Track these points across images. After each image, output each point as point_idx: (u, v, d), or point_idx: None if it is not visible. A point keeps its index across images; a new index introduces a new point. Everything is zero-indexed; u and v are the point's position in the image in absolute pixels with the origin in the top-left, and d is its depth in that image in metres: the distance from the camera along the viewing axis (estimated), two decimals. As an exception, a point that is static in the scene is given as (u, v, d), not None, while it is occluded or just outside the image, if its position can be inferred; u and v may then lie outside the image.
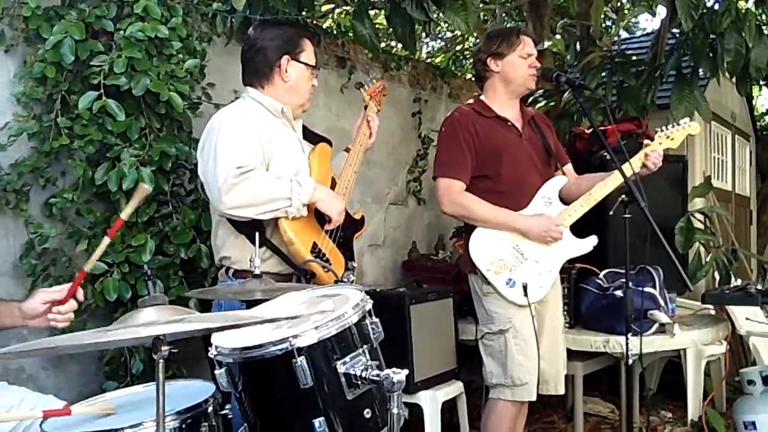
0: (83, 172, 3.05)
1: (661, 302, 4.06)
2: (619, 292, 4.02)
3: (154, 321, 1.48)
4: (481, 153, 3.36)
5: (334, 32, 4.46)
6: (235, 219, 2.72)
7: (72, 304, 2.39)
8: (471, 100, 3.57)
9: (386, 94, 3.46)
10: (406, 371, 1.89)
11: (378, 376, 1.89)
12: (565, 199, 3.45)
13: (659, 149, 3.40)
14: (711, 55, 4.46)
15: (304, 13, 3.85)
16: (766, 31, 4.26)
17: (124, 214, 2.32)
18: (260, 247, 2.74)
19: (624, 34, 7.59)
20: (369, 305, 2.11)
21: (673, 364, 4.83)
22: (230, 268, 2.86)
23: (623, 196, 3.31)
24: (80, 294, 2.42)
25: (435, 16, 3.71)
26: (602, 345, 4.02)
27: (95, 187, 3.11)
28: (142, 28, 3.08)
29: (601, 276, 4.34)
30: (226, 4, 3.68)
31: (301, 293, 2.32)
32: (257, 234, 2.56)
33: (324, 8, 4.34)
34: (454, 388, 4.12)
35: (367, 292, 4.14)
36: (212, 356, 2.03)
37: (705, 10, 4.39)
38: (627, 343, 3.36)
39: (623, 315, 3.76)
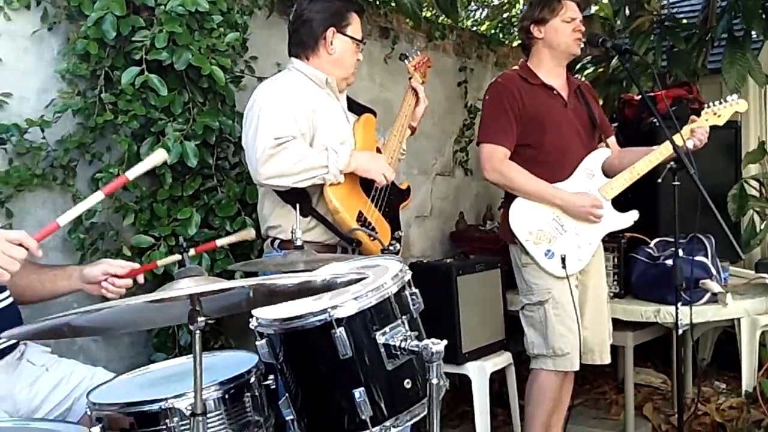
0: (128, 146, 3.09)
1: (713, 271, 3.97)
2: (669, 262, 3.92)
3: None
4: (525, 120, 3.31)
5: (377, 2, 4.40)
6: (275, 188, 2.73)
7: (128, 282, 2.42)
8: (517, 66, 3.50)
9: (431, 65, 3.42)
10: (445, 341, 1.87)
11: (417, 346, 1.88)
12: (607, 172, 3.38)
13: (705, 126, 3.30)
14: (764, 16, 4.29)
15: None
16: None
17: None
18: (305, 216, 2.78)
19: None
20: (408, 276, 2.10)
21: (728, 335, 4.73)
22: (276, 239, 2.88)
23: (672, 163, 3.25)
24: (141, 278, 2.47)
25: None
26: (653, 315, 3.95)
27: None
28: (183, 3, 3.07)
29: (651, 245, 4.26)
30: (267, -24, 3.67)
31: (342, 264, 2.32)
32: (298, 204, 2.57)
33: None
34: (502, 359, 4.11)
35: (413, 264, 4.24)
36: (253, 327, 2.04)
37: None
38: (677, 313, 3.31)
39: (674, 284, 3.74)
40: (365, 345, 1.95)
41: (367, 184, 2.81)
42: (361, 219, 2.75)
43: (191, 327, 1.51)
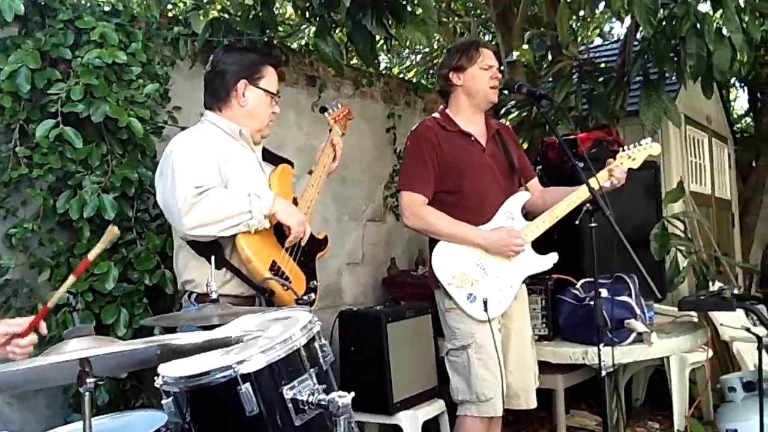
0: (44, 200, 3.04)
1: (638, 311, 4.04)
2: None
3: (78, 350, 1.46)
4: (443, 167, 3.35)
5: (302, 51, 4.45)
6: (199, 239, 2.71)
7: (32, 338, 2.34)
8: (436, 113, 3.56)
9: (352, 118, 3.45)
10: (352, 394, 1.86)
11: (324, 400, 1.86)
12: (531, 214, 3.44)
13: (623, 168, 3.39)
14: (675, 59, 4.46)
15: (267, 33, 3.84)
16: (726, 34, 4.25)
17: (92, 255, 2.26)
18: (220, 268, 2.74)
19: (597, 42, 7.61)
20: (317, 327, 2.08)
21: (660, 374, 4.80)
22: (192, 293, 2.84)
23: (588, 205, 3.31)
24: (43, 328, 2.38)
25: (395, 31, 3.70)
26: (581, 357, 4.00)
27: (57, 215, 3.09)
28: (100, 55, 3.08)
29: (578, 286, 4.33)
30: (189, 27, 3.68)
31: (253, 317, 2.29)
32: (213, 256, 2.55)
33: (288, 29, 4.32)
34: (435, 407, 4.10)
35: (342, 312, 4.23)
36: (158, 386, 2.00)
37: (665, 16, 4.40)
38: (600, 354, 3.35)
39: (595, 325, 3.79)
40: (272, 401, 1.91)
41: (281, 233, 2.80)
42: (275, 268, 2.73)
43: (80, 389, 1.47)
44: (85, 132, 3.11)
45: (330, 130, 3.29)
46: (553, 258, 3.46)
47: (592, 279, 4.24)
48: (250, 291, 2.81)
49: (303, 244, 2.88)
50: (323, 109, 3.37)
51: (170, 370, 2.01)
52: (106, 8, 3.36)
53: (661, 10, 4.49)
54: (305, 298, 2.81)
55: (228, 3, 4.16)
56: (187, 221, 2.59)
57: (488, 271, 3.33)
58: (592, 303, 4.03)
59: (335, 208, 4.74)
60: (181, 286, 2.92)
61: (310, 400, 1.91)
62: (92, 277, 3.10)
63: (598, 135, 4.76)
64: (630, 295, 4.09)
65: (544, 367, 3.97)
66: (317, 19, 3.81)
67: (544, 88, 5.19)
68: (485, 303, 3.25)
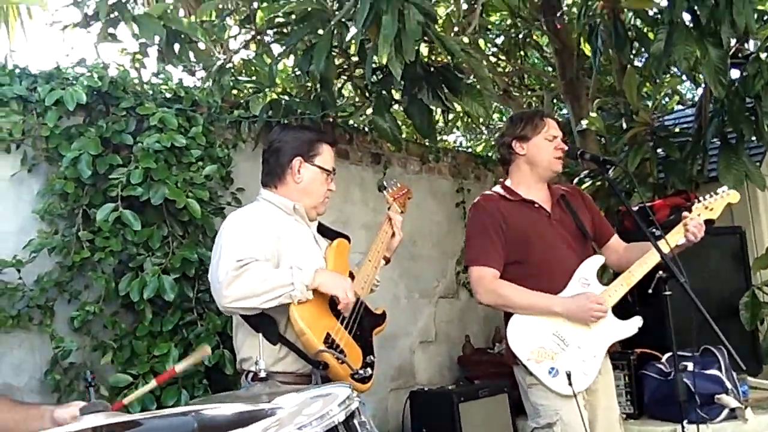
0: (106, 283, 3.08)
1: (729, 385, 3.77)
2: (684, 378, 3.74)
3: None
4: (510, 238, 3.24)
5: (365, 129, 4.48)
6: (243, 313, 2.68)
7: None
8: (497, 186, 3.48)
9: (411, 197, 3.41)
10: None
11: (362, 480, 1.75)
12: (621, 267, 3.29)
13: (698, 219, 3.22)
14: (753, 118, 4.26)
15: (326, 112, 3.88)
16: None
17: (179, 368, 2.34)
18: (274, 344, 2.70)
19: (679, 108, 7.42)
20: (356, 403, 1.98)
21: (761, 453, 4.43)
22: (249, 372, 2.79)
23: (660, 272, 3.14)
24: None
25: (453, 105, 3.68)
26: (669, 435, 3.73)
27: (120, 298, 3.13)
28: (159, 139, 3.16)
29: (663, 360, 4.07)
30: (250, 111, 3.76)
31: (294, 395, 2.21)
32: (261, 332, 2.50)
33: (351, 108, 4.37)
34: (513, 491, 3.89)
35: (413, 392, 4.09)
36: (196, 465, 1.93)
37: (735, 76, 4.25)
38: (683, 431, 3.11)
39: (689, 402, 3.54)
40: (309, 480, 1.82)
41: (335, 308, 2.74)
42: (329, 341, 2.66)
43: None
44: (145, 215, 3.17)
45: (389, 208, 3.26)
46: (637, 322, 3.25)
47: (678, 352, 4.01)
48: (305, 368, 2.74)
49: (358, 317, 2.81)
50: (382, 187, 3.34)
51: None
52: (168, 95, 3.47)
53: (734, 71, 4.35)
54: (361, 372, 2.73)
55: (289, 86, 4.24)
56: (228, 293, 2.56)
57: (568, 342, 3.15)
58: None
59: (405, 285, 4.66)
60: (239, 365, 2.88)
61: (348, 480, 1.80)
62: (154, 359, 3.10)
63: (676, 201, 4.56)
64: (719, 369, 3.83)
65: (631, 447, 3.74)
66: (375, 96, 3.83)
67: (618, 158, 5.05)
68: (569, 376, 3.05)
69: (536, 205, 3.31)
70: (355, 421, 1.95)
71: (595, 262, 3.31)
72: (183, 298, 3.22)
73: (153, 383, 2.23)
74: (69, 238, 3.06)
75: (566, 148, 3.37)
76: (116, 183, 3.08)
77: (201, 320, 3.25)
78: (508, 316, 3.22)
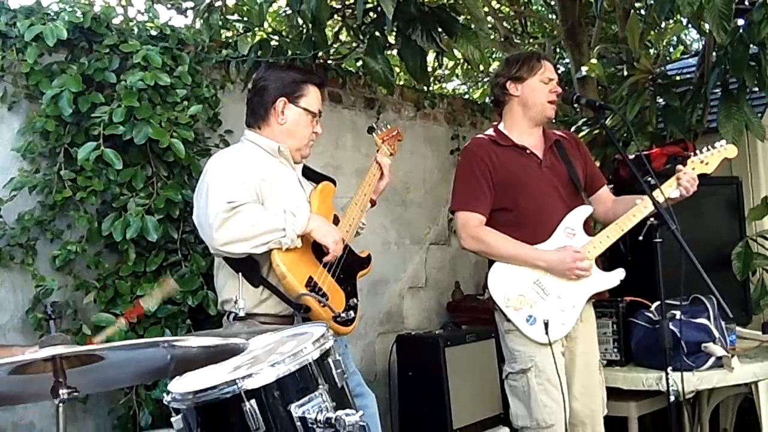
0: (89, 223, 3.05)
1: (716, 334, 3.74)
2: (671, 325, 3.73)
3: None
4: (498, 184, 3.20)
5: (360, 73, 4.40)
6: (231, 256, 2.65)
7: None
8: (489, 130, 3.42)
9: (401, 139, 3.37)
10: (360, 412, 1.74)
11: (331, 418, 1.74)
12: (606, 220, 3.25)
13: (692, 173, 3.17)
14: (756, 66, 4.16)
15: (318, 54, 3.80)
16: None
17: (146, 304, 2.46)
18: (257, 286, 2.69)
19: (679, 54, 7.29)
20: (330, 342, 1.97)
21: (750, 402, 4.44)
22: (231, 312, 2.78)
23: (651, 219, 3.10)
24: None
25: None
26: (655, 382, 3.71)
27: (103, 238, 3.11)
28: (143, 77, 3.10)
29: (651, 308, 4.05)
30: (238, 50, 3.68)
31: (271, 334, 2.21)
32: (240, 273, 2.49)
33: (344, 50, 4.28)
34: (498, 434, 3.91)
35: (400, 336, 4.09)
36: (167, 402, 1.93)
37: (740, 22, 4.13)
38: (668, 378, 3.12)
39: (677, 350, 3.53)
40: (279, 419, 1.82)
41: (319, 250, 2.72)
42: (311, 284, 2.64)
43: (55, 401, 1.40)
44: (129, 154, 3.13)
45: (378, 150, 3.21)
46: (619, 274, 3.24)
47: (668, 300, 4.00)
48: (288, 310, 2.73)
49: (342, 260, 2.79)
50: (371, 129, 3.30)
51: (179, 387, 1.95)
52: (154, 33, 3.39)
53: (741, 20, 4.24)
54: (344, 315, 2.73)
55: (281, 26, 4.16)
56: (219, 237, 2.54)
57: (548, 291, 3.14)
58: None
59: (396, 231, 4.63)
60: (220, 306, 2.87)
61: (318, 418, 1.80)
62: (137, 299, 3.08)
63: (673, 150, 4.49)
64: (708, 318, 3.80)
65: (617, 394, 3.73)
66: (368, 37, 3.74)
67: (618, 105, 4.97)
68: (546, 325, 3.06)
69: (528, 151, 3.26)
70: (329, 359, 1.95)
71: (582, 212, 3.27)
72: (167, 238, 3.20)
73: (122, 321, 2.23)
74: (50, 177, 3.02)
75: (560, 92, 3.30)
76: (98, 122, 3.02)
77: (185, 261, 3.23)
78: (491, 262, 3.21)
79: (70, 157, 3.06)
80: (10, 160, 3.03)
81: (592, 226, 3.48)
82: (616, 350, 3.99)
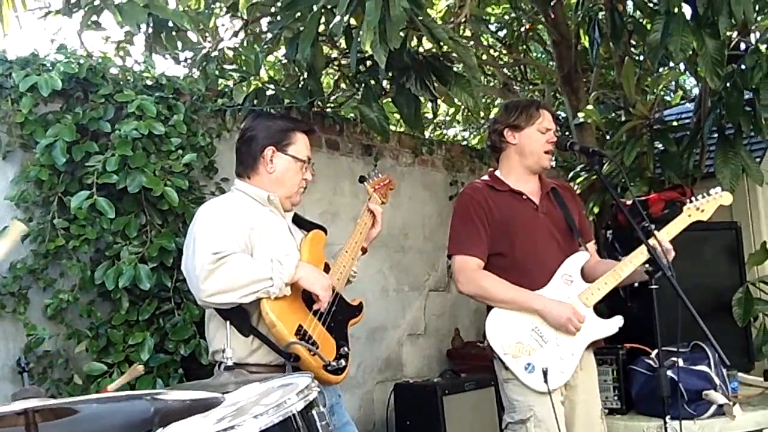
0: (81, 271, 3.05)
1: (717, 381, 3.69)
2: (671, 373, 3.68)
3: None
4: (494, 229, 3.18)
5: (356, 120, 4.43)
6: (219, 307, 2.63)
7: None
8: (485, 176, 3.42)
9: (393, 187, 3.35)
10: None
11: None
12: (587, 278, 3.21)
13: (667, 245, 3.13)
14: (751, 111, 4.18)
15: (313, 102, 3.84)
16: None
17: (111, 387, 2.44)
18: (247, 335, 2.66)
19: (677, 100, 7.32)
20: (315, 393, 1.94)
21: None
22: (221, 363, 2.75)
23: (647, 265, 3.07)
24: None
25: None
26: (656, 431, 3.66)
27: (95, 287, 3.10)
28: (137, 126, 3.12)
29: (652, 356, 4.00)
30: (233, 99, 3.72)
31: (258, 384, 2.18)
32: (228, 322, 2.47)
33: (341, 99, 4.33)
34: (498, 486, 3.83)
35: (398, 384, 4.05)
36: (149, 455, 1.89)
37: (734, 67, 4.16)
38: (666, 427, 3.06)
39: (677, 398, 3.48)
40: (262, 472, 1.78)
41: (310, 298, 2.69)
42: (301, 332, 2.61)
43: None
44: (122, 203, 3.14)
45: (369, 199, 3.20)
46: (618, 322, 3.20)
47: (668, 347, 3.95)
48: (279, 360, 2.69)
49: (333, 308, 2.76)
50: (362, 179, 3.29)
51: (165, 438, 1.91)
52: (149, 82, 3.42)
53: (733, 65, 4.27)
54: (334, 364, 2.69)
55: (279, 75, 4.20)
56: (205, 288, 2.51)
57: (547, 338, 3.10)
58: (667, 374, 3.74)
59: (395, 277, 4.61)
60: (211, 356, 2.83)
61: (301, 473, 1.76)
62: (129, 348, 3.07)
63: (671, 195, 4.49)
64: (708, 365, 3.76)
65: (617, 443, 3.68)
66: (363, 86, 3.77)
67: (615, 152, 4.97)
68: (545, 374, 3.01)
69: (524, 197, 3.24)
70: (314, 412, 1.92)
71: (579, 258, 3.24)
72: (160, 287, 3.19)
73: None
74: (44, 226, 3.03)
75: (555, 140, 3.30)
76: (92, 170, 3.04)
77: (178, 310, 3.22)
78: (489, 308, 3.18)
79: (63, 205, 3.07)
80: (4, 208, 3.04)
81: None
82: (616, 398, 3.94)
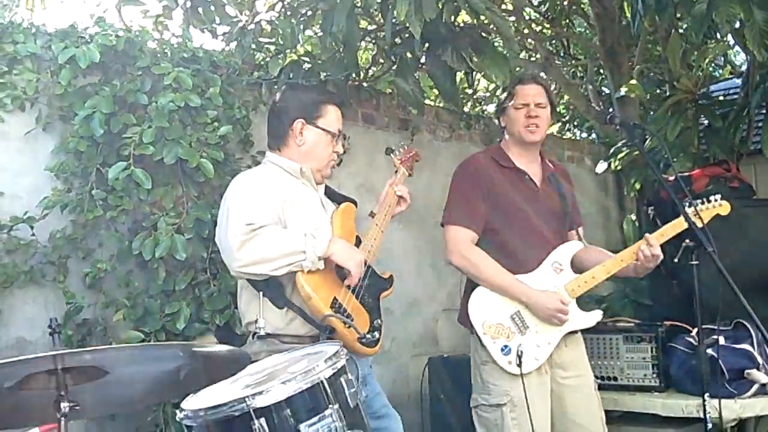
0: (118, 242, 3.09)
1: (760, 360, 3.61)
2: (711, 351, 3.62)
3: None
4: (493, 204, 3.10)
5: (393, 94, 4.40)
6: (252, 278, 2.65)
7: None
8: (493, 148, 3.35)
9: (419, 159, 3.33)
10: (366, 434, 1.71)
11: (339, 439, 1.71)
12: (575, 266, 3.15)
13: (656, 251, 3.02)
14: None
15: (349, 75, 3.82)
16: None
17: None
18: (281, 308, 2.66)
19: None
20: (343, 361, 1.94)
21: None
22: (255, 334, 2.77)
23: (686, 241, 3.01)
24: None
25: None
26: (695, 410, 3.58)
27: (133, 256, 3.14)
28: (173, 99, 3.14)
29: (693, 333, 3.93)
30: (269, 72, 3.72)
31: (288, 353, 2.19)
32: (261, 293, 2.48)
33: (378, 72, 4.30)
34: (533, 461, 3.81)
35: (432, 359, 4.03)
36: (179, 420, 1.92)
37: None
38: (704, 406, 3.02)
39: (716, 376, 3.42)
40: (288, 438, 1.79)
41: (342, 271, 2.69)
42: (336, 305, 2.61)
43: (57, 414, 1.40)
44: (159, 174, 3.17)
45: (396, 171, 3.18)
46: (596, 316, 3.14)
47: (709, 325, 3.87)
48: (313, 331, 2.70)
49: (364, 283, 2.76)
50: (389, 151, 3.26)
51: (191, 404, 1.94)
52: (186, 55, 3.44)
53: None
54: (369, 336, 2.68)
55: (316, 49, 4.19)
56: (239, 258, 2.52)
57: (527, 324, 3.04)
58: (708, 351, 3.67)
59: (430, 253, 4.59)
60: (244, 328, 2.85)
61: (326, 438, 1.77)
62: (165, 317, 3.11)
63: (715, 171, 4.37)
64: (751, 344, 3.67)
65: (655, 421, 3.64)
66: (398, 58, 3.74)
67: (658, 126, 4.87)
68: (519, 357, 2.96)
69: (527, 177, 3.17)
70: (342, 379, 1.93)
71: (572, 247, 3.18)
72: (196, 257, 3.22)
73: None
74: (82, 196, 3.08)
75: (538, 115, 3.17)
76: (129, 142, 3.08)
77: (214, 280, 3.25)
78: (473, 285, 3.13)
79: (101, 176, 3.11)
80: (43, 179, 3.10)
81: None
82: (654, 375, 3.88)
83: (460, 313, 3.18)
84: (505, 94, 3.19)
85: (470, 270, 3.07)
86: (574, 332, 3.15)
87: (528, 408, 2.89)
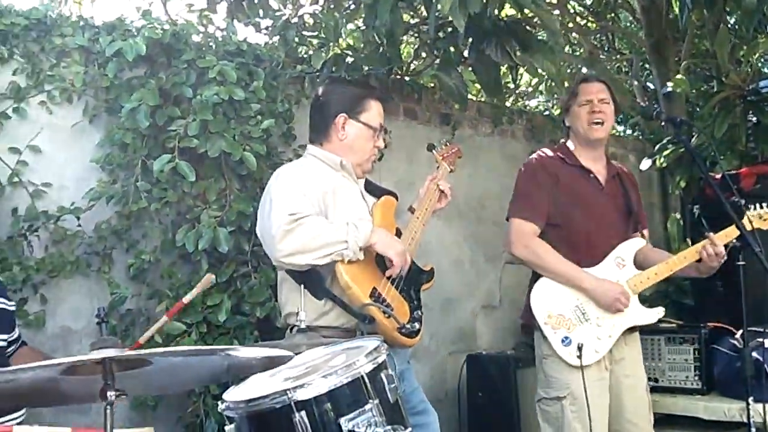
0: (162, 234, 3.13)
1: (806, 364, 3.53)
2: (756, 354, 3.54)
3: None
4: (558, 200, 3.13)
5: (435, 89, 4.38)
6: (293, 268, 2.66)
7: None
8: (559, 146, 3.35)
9: (461, 156, 3.32)
10: (409, 429, 1.70)
11: (379, 434, 1.71)
12: (639, 266, 3.13)
13: (721, 249, 3.01)
14: None
15: (392, 69, 3.81)
16: None
17: (186, 298, 2.50)
18: (320, 298, 2.68)
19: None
20: (384, 356, 1.94)
21: None
22: (294, 326, 2.78)
23: (734, 241, 2.97)
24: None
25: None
26: (738, 414, 3.53)
27: (176, 248, 3.18)
28: (218, 92, 3.16)
29: (737, 335, 3.86)
30: (312, 66, 3.72)
31: (328, 347, 2.20)
32: (302, 284, 2.49)
33: (420, 66, 4.28)
34: (572, 461, 3.77)
35: (470, 356, 4.02)
36: (221, 411, 1.93)
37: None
38: (749, 411, 2.95)
39: (761, 380, 3.36)
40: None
41: (383, 263, 2.69)
42: (375, 295, 2.61)
43: (103, 402, 1.42)
44: (203, 167, 3.19)
45: (437, 167, 3.17)
46: (659, 312, 3.12)
47: (755, 328, 3.80)
48: (350, 323, 2.71)
49: (404, 274, 2.76)
50: (431, 147, 3.26)
51: (233, 395, 1.95)
52: (230, 48, 3.46)
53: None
54: (408, 326, 2.68)
55: (358, 42, 4.19)
56: (282, 247, 2.54)
57: (589, 316, 3.05)
58: (752, 354, 3.60)
59: (470, 248, 4.58)
60: (284, 320, 2.87)
61: (367, 433, 1.77)
62: (207, 309, 3.14)
63: (763, 170, 4.28)
64: (797, 347, 3.59)
65: (697, 424, 3.61)
66: (441, 52, 3.72)
67: (706, 123, 4.78)
68: (580, 349, 2.97)
69: (592, 175, 3.20)
70: (382, 374, 1.92)
71: (635, 243, 3.20)
72: (238, 250, 3.25)
73: (164, 318, 2.30)
74: (127, 188, 3.12)
75: (602, 111, 3.17)
76: (174, 135, 3.11)
77: (255, 273, 3.27)
78: (536, 276, 3.14)
79: (146, 168, 3.15)
80: (89, 170, 3.14)
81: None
82: (697, 378, 3.83)
83: (524, 308, 3.19)
84: (568, 95, 3.22)
85: (533, 260, 3.11)
86: (634, 330, 3.16)
87: (587, 400, 2.90)
